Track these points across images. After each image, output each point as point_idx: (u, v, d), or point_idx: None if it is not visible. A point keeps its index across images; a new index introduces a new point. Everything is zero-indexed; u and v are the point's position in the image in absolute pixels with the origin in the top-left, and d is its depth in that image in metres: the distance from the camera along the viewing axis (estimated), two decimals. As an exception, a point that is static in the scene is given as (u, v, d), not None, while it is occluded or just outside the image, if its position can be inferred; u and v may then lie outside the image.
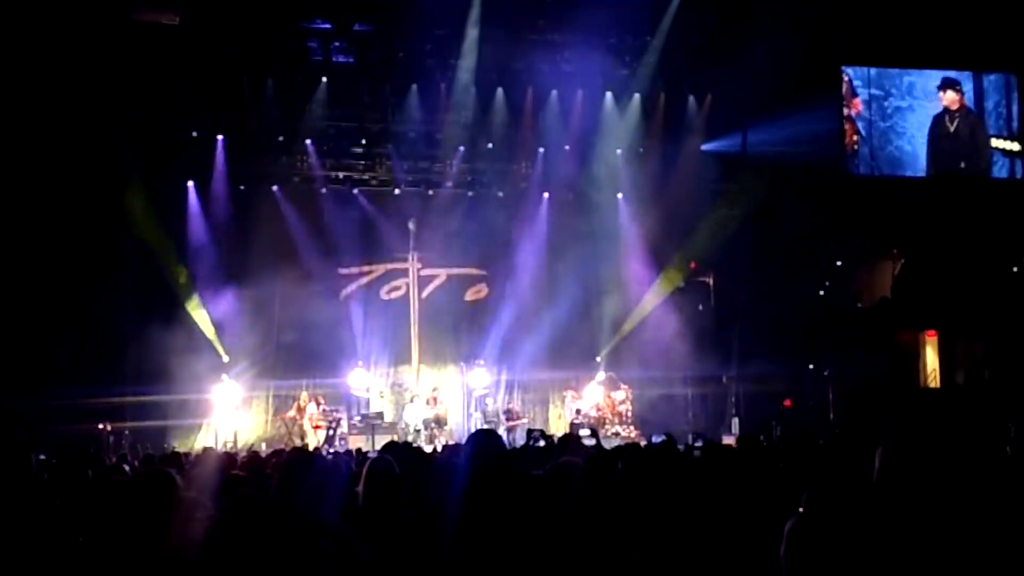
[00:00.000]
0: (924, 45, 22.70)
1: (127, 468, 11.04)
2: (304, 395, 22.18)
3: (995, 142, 23.86)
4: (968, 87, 23.86)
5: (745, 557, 4.67)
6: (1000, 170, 23.96)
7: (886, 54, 23.34)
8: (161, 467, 6.40)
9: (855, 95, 23.44)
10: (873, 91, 23.54)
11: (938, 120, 23.69)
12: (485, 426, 22.34)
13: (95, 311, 19.78)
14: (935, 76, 23.78)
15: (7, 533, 4.22)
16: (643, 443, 11.44)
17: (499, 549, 4.55)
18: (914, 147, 23.67)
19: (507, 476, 5.09)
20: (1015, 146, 23.78)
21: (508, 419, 22.73)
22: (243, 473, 7.85)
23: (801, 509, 3.44)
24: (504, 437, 22.25)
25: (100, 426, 19.35)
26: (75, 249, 19.75)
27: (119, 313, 20.15)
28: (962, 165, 23.85)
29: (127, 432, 19.94)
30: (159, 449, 18.16)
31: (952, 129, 23.70)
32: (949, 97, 23.66)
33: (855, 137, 23.42)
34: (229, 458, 9.31)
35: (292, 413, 21.98)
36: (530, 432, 13.27)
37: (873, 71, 23.58)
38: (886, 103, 23.58)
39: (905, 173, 23.69)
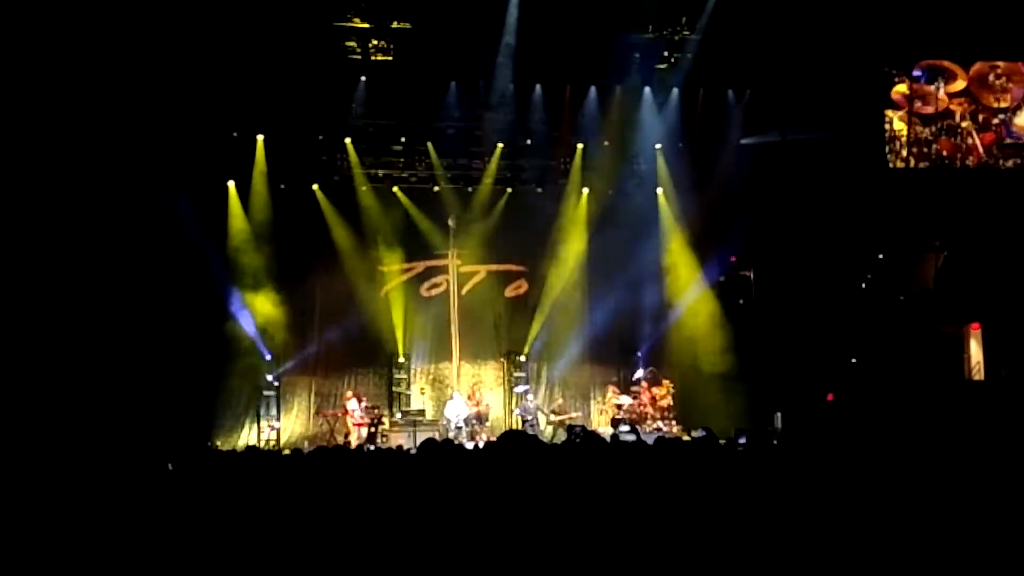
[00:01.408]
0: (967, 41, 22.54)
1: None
2: (348, 392, 22.30)
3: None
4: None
5: (785, 547, 4.66)
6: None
7: (927, 49, 23.17)
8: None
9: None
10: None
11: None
12: (525, 422, 22.44)
13: (137, 312, 19.90)
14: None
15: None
16: (684, 438, 11.43)
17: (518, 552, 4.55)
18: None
19: (531, 480, 5.10)
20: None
21: (556, 413, 22.84)
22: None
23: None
24: (548, 432, 22.40)
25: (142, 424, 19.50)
26: (117, 249, 19.88)
27: (162, 314, 20.27)
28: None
29: (171, 430, 20.09)
30: (202, 448, 18.33)
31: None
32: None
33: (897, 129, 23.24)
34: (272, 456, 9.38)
35: (332, 410, 22.16)
36: (571, 428, 13.26)
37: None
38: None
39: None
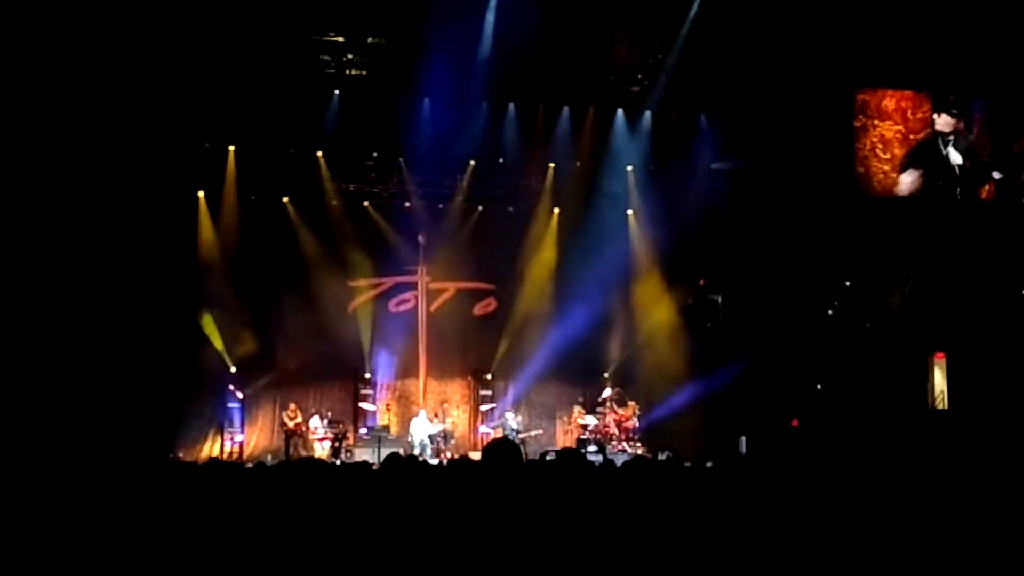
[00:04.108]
0: (928, 66, 22.69)
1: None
2: (292, 406, 22.17)
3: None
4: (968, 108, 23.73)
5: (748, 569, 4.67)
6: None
7: (895, 76, 23.32)
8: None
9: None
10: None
11: (932, 143, 23.56)
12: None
13: (102, 321, 19.73)
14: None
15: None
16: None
17: (507, 559, 4.54)
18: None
19: (523, 487, 5.10)
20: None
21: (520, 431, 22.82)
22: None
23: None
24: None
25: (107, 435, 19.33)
26: (85, 258, 19.72)
27: (127, 323, 20.11)
28: (958, 189, 23.63)
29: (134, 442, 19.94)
30: (165, 459, 18.20)
31: (946, 152, 23.54)
32: (944, 120, 23.52)
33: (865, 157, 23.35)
34: (235, 468, 9.32)
35: (292, 424, 21.97)
36: (544, 454, 13.29)
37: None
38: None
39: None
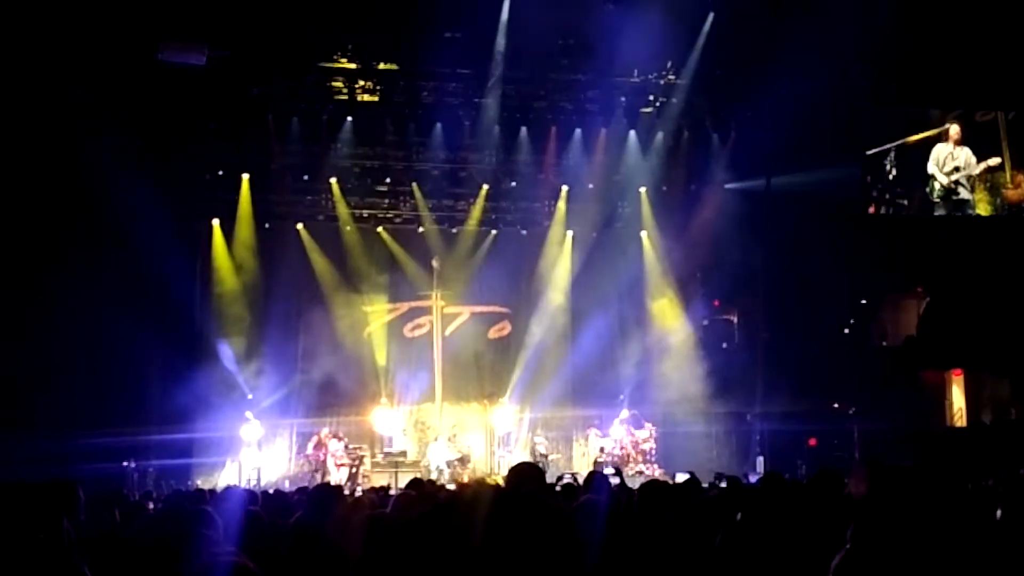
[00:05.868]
0: (942, 84, 22.58)
1: (151, 505, 11.06)
2: (325, 431, 22.13)
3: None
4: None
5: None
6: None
7: (907, 94, 23.23)
8: (188, 503, 6.42)
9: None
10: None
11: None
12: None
13: (119, 349, 19.75)
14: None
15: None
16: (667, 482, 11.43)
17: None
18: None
19: (544, 509, 5.08)
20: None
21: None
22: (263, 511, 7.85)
23: (848, 545, 3.44)
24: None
25: (125, 463, 19.35)
26: (101, 287, 19.76)
27: (143, 351, 20.13)
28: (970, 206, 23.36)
29: (151, 469, 19.94)
30: (183, 486, 18.19)
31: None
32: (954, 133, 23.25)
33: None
34: (251, 495, 9.33)
35: (311, 450, 21.93)
36: (560, 477, 13.26)
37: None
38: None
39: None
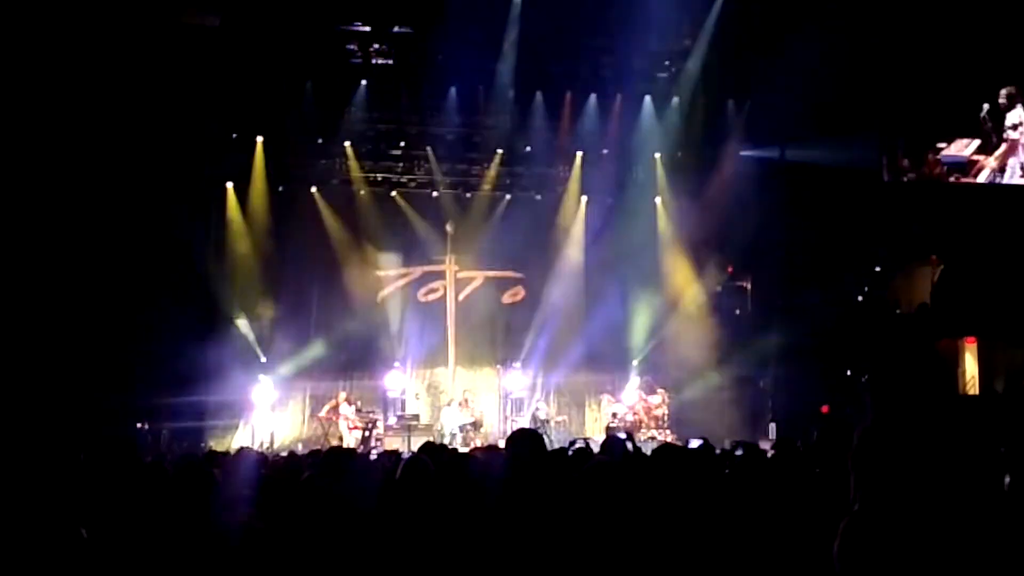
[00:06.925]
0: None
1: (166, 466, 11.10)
2: (342, 395, 22.17)
3: None
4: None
5: (782, 558, 4.65)
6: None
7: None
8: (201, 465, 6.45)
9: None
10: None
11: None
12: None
13: (132, 311, 19.80)
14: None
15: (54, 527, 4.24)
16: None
17: (532, 544, 4.55)
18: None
19: (545, 475, 5.10)
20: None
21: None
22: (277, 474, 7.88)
23: (856, 507, 3.44)
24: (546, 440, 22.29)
25: (138, 425, 19.44)
26: (115, 252, 19.78)
27: (157, 313, 20.17)
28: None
29: (164, 432, 20.02)
30: (196, 449, 18.30)
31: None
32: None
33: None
34: (264, 458, 9.38)
35: (324, 413, 21.98)
36: (573, 442, 13.23)
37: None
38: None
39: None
